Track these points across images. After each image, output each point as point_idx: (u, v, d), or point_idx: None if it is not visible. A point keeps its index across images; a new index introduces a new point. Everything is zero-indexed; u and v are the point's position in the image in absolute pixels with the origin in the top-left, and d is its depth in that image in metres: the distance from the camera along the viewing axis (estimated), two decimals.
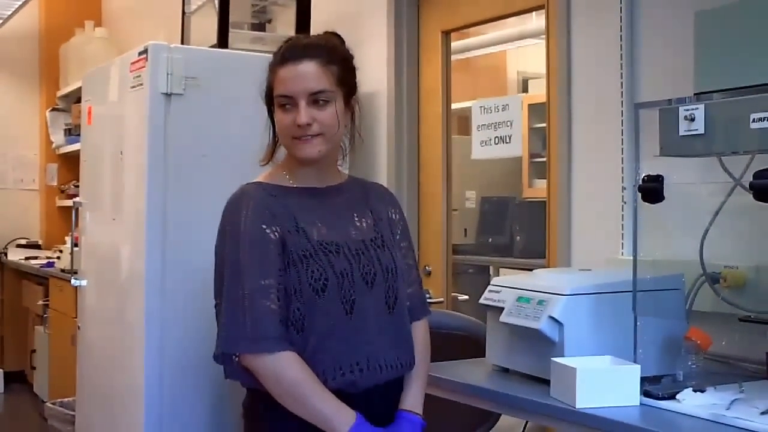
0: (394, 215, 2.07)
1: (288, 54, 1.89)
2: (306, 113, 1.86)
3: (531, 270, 2.40)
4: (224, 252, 1.90)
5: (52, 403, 4.70)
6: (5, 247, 6.59)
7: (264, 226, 1.85)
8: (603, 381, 1.86)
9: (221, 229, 1.93)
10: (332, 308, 1.84)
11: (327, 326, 1.83)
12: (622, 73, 2.68)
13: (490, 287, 2.25)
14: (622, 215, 2.66)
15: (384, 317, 1.91)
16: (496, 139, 3.33)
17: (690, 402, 1.82)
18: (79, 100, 4.57)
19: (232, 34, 3.67)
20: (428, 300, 3.51)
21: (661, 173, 2.02)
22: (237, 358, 1.85)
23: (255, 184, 1.96)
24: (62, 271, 5.31)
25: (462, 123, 4.41)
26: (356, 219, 1.98)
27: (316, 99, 1.87)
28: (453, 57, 3.69)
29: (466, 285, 4.73)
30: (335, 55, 1.93)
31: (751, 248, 2.21)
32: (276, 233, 1.85)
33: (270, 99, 1.95)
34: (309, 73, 1.87)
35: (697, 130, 1.93)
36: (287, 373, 1.80)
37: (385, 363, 1.90)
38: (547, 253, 3.06)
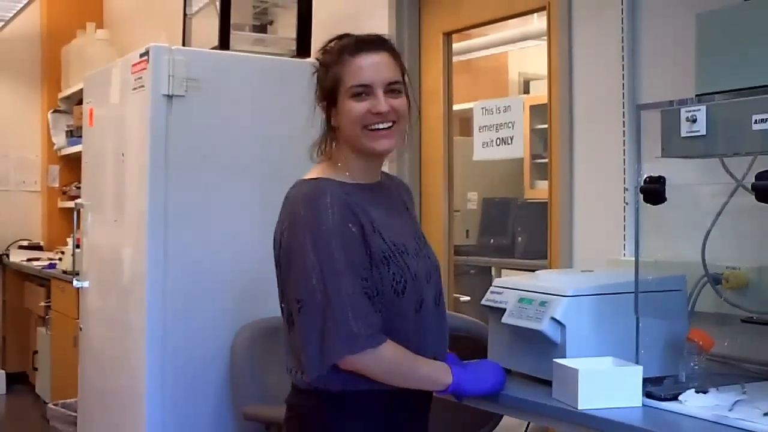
0: (414, 209, 2.12)
1: (363, 45, 1.91)
2: (385, 101, 1.88)
3: (533, 271, 2.40)
4: (310, 251, 1.78)
5: (54, 405, 4.71)
6: (7, 249, 6.59)
7: (350, 225, 1.81)
8: (605, 382, 1.86)
9: (298, 227, 1.81)
10: (407, 309, 1.87)
11: (402, 327, 1.86)
12: (623, 75, 2.68)
13: (491, 288, 2.25)
14: (624, 216, 2.66)
15: (435, 312, 1.95)
16: (498, 140, 3.33)
17: (692, 403, 1.82)
18: (80, 102, 4.59)
19: (234, 35, 3.67)
20: None
21: (662, 174, 2.02)
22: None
23: (325, 180, 1.87)
24: (64, 272, 5.30)
25: (463, 124, 4.41)
26: (401, 216, 2.01)
27: (392, 89, 1.90)
28: (454, 58, 3.69)
29: (467, 286, 4.72)
30: (398, 51, 1.99)
31: (753, 249, 2.21)
32: (360, 232, 1.83)
33: (329, 93, 1.90)
34: (386, 63, 1.91)
35: (698, 131, 1.93)
36: (391, 357, 1.82)
37: (441, 359, 1.96)
38: (549, 254, 3.06)
